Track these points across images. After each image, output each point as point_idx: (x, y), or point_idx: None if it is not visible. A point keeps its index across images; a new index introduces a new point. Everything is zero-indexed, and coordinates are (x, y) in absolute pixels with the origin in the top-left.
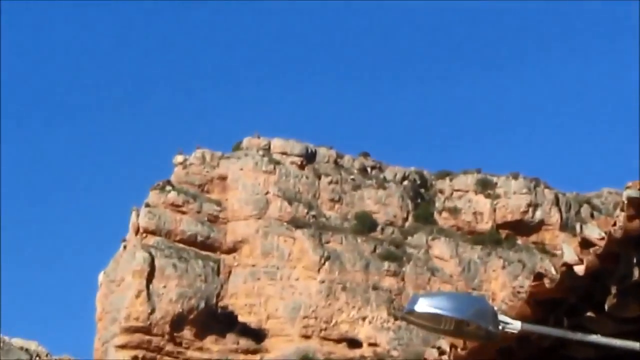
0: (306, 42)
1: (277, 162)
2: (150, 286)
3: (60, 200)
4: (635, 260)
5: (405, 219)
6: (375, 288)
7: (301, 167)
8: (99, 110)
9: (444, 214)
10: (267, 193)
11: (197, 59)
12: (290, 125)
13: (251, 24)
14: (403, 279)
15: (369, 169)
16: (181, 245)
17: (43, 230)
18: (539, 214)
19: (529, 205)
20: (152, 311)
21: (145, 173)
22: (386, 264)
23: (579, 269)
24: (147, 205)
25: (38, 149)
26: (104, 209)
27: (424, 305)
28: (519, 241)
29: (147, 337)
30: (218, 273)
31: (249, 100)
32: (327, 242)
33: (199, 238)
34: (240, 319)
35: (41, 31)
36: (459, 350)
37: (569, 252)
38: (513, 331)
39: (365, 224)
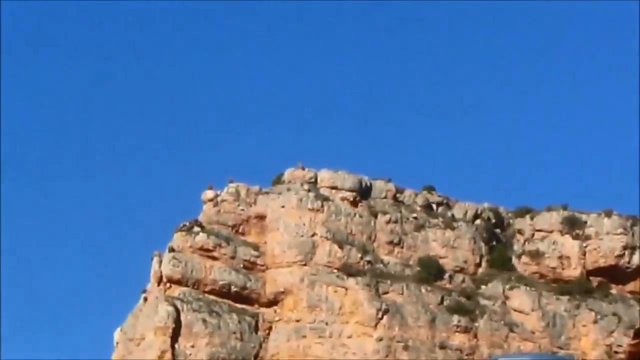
0: (358, 62)
1: (326, 198)
2: (176, 345)
3: (71, 243)
4: None
5: (478, 265)
6: (442, 347)
7: (354, 203)
8: (119, 139)
9: (524, 259)
10: (313, 235)
11: (231, 81)
12: (341, 154)
13: (291, 46)
14: (476, 336)
15: (434, 206)
16: (212, 297)
17: (51, 277)
18: (636, 258)
19: (625, 247)
20: None
21: (169, 212)
22: (456, 318)
23: None
24: (172, 250)
25: (51, 182)
26: (120, 253)
27: None
28: (614, 290)
29: None
30: (256, 330)
31: (290, 127)
32: (385, 293)
33: (233, 288)
34: None
35: (59, 49)
36: None
37: None
38: None
39: (431, 271)
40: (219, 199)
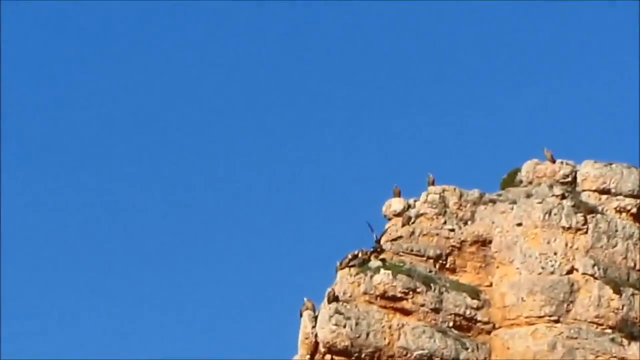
0: None
1: (592, 210)
2: None
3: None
4: None
5: None
6: None
7: (638, 217)
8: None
9: None
10: (571, 271)
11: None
12: (611, 137)
13: None
14: None
15: None
16: None
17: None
18: None
19: None
20: None
21: (329, 235)
22: None
23: None
24: (334, 299)
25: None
26: (249, 302)
27: None
28: None
29: None
30: None
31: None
32: None
33: None
34: None
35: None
36: None
37: None
38: None
39: None
40: (412, 212)
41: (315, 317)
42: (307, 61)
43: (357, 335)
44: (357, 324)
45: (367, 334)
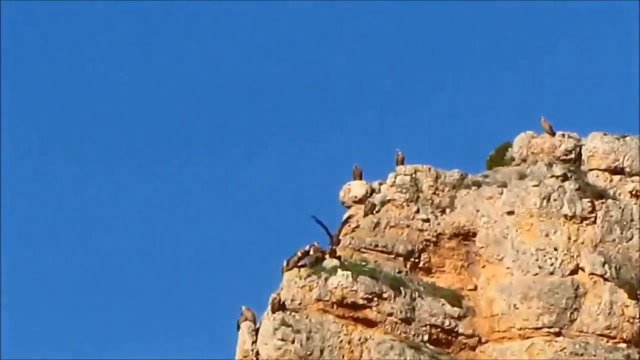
0: None
1: (600, 195)
2: None
3: None
4: None
5: None
6: None
7: None
8: None
9: None
10: (575, 271)
11: None
12: (626, 107)
13: None
14: None
15: None
16: None
17: None
18: None
19: None
20: None
21: (270, 227)
22: None
23: None
24: (279, 307)
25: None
26: (178, 314)
27: None
28: None
29: None
30: None
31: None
32: None
33: None
34: None
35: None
36: None
37: None
38: None
39: None
40: (376, 198)
41: (257, 330)
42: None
43: (308, 353)
44: (308, 338)
45: (322, 351)
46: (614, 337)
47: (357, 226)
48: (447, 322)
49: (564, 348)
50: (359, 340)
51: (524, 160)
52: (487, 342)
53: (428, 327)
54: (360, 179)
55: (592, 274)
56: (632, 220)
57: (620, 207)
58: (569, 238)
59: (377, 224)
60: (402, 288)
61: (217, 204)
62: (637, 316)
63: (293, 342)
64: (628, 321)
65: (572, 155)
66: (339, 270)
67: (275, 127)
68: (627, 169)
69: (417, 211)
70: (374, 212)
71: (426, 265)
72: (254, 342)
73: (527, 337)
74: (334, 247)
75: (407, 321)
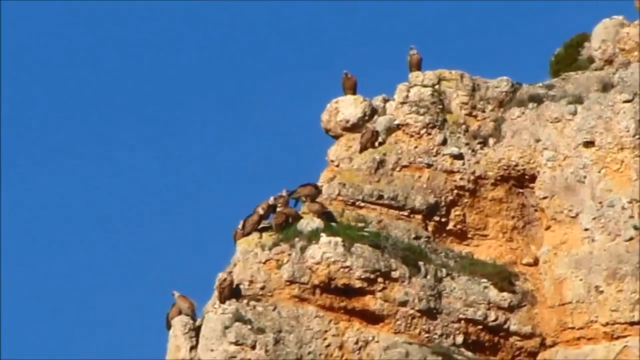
0: None
1: None
2: None
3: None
4: None
5: None
6: None
7: None
8: None
9: None
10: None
11: None
12: None
13: None
14: None
15: None
16: None
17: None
18: None
19: None
20: None
21: (217, 172)
22: None
23: None
24: (232, 295)
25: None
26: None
27: None
28: None
29: None
30: None
31: None
32: None
33: None
34: None
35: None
36: None
37: None
38: None
39: None
40: (379, 123)
41: (197, 329)
42: None
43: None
44: (277, 341)
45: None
46: None
47: (350, 167)
48: (492, 316)
49: None
50: (356, 343)
51: (609, 62)
52: (554, 345)
53: (462, 323)
54: (354, 93)
55: None
56: None
57: None
58: None
59: (381, 164)
60: (421, 263)
61: None
62: None
63: (254, 347)
64: None
65: None
66: (323, 236)
67: None
68: None
69: (444, 142)
70: (376, 144)
71: (458, 227)
72: (193, 347)
73: (617, 337)
74: (311, 200)
75: (430, 314)
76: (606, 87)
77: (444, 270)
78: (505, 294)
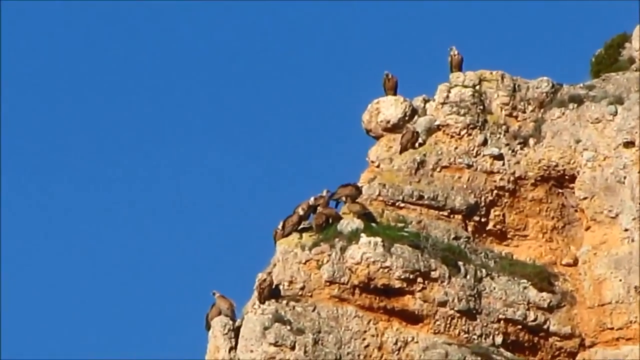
0: None
1: None
2: None
3: None
4: None
5: None
6: None
7: None
8: None
9: None
10: None
11: None
12: None
13: None
14: None
15: None
16: None
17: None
18: None
19: None
20: None
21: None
22: None
23: None
24: (271, 296)
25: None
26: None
27: None
28: None
29: None
30: None
31: None
32: None
33: None
34: None
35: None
36: None
37: None
38: None
39: None
40: (420, 123)
41: (237, 329)
42: None
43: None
44: (316, 341)
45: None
46: None
47: (391, 167)
48: (531, 316)
49: None
50: (396, 343)
51: None
52: (593, 345)
53: (502, 323)
54: (395, 94)
55: None
56: None
57: None
58: None
59: (421, 164)
60: (460, 263)
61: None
62: None
63: (293, 347)
64: None
65: None
66: (363, 236)
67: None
68: None
69: (484, 143)
70: (416, 145)
71: (498, 227)
72: (233, 347)
73: None
74: (352, 201)
75: (470, 315)
76: None
77: (483, 270)
78: (544, 294)
